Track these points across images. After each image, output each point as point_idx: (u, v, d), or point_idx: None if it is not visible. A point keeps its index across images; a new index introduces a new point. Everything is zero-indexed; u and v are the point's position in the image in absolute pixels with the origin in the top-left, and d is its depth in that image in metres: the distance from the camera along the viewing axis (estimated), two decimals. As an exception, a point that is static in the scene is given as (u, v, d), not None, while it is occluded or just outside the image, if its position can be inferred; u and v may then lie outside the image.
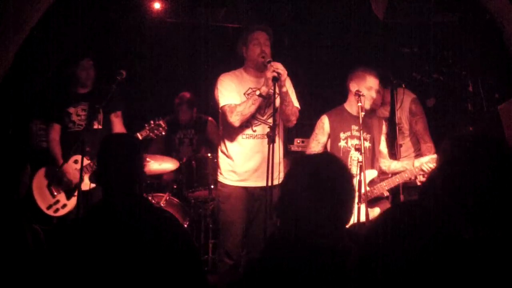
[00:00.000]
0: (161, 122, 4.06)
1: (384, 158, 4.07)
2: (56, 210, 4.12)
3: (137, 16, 5.50)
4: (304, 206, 1.69)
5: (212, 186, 4.61)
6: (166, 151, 5.26)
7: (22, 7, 3.84)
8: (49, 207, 4.10)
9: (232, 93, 3.74)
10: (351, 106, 3.96)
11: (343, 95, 4.07)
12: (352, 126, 3.94)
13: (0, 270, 2.28)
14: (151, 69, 5.74)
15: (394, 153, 4.26)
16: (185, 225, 4.64)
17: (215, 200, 4.34)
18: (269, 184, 3.23)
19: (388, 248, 1.35)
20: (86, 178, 3.91)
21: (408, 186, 4.20)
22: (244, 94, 3.78)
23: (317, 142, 4.01)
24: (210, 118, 5.49)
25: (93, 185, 3.75)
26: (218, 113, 3.90)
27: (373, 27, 5.33)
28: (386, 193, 4.12)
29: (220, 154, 3.89)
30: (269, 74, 3.48)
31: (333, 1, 5.37)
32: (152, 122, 4.05)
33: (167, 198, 4.72)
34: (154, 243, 2.14)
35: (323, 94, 5.35)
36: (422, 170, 3.80)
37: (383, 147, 4.07)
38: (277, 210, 1.80)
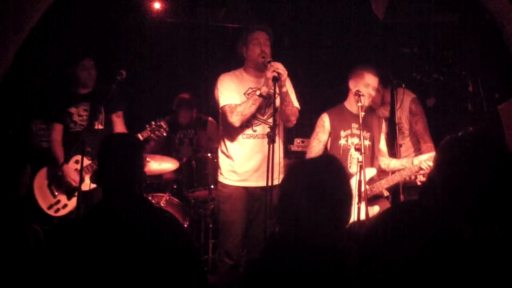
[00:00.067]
0: (162, 123, 4.06)
1: (383, 156, 4.08)
2: (57, 210, 4.12)
3: (137, 16, 5.50)
4: (304, 207, 1.69)
5: (212, 186, 4.62)
6: (166, 151, 5.26)
7: (22, 7, 3.84)
8: (50, 207, 4.10)
9: (232, 93, 3.74)
10: (351, 104, 3.96)
11: (343, 95, 4.07)
12: (353, 124, 3.95)
13: (1, 269, 2.28)
14: (151, 69, 5.74)
15: (394, 153, 4.27)
16: (185, 225, 4.64)
17: (215, 200, 4.34)
18: (269, 184, 3.24)
19: (388, 248, 1.35)
20: (87, 179, 3.91)
21: (408, 186, 4.20)
22: (244, 94, 3.78)
23: (318, 141, 4.01)
24: (210, 118, 5.50)
25: (93, 185, 3.75)
26: (218, 113, 3.90)
27: (373, 27, 5.33)
28: (386, 193, 4.12)
29: (220, 154, 3.89)
30: (269, 74, 3.48)
31: (333, 1, 5.37)
32: (153, 123, 4.04)
33: (167, 198, 4.72)
34: (154, 243, 2.14)
35: (323, 94, 5.35)
36: (421, 168, 3.81)
37: (382, 145, 4.08)
38: (276, 211, 1.81)
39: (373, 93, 3.90)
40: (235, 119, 3.65)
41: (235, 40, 4.03)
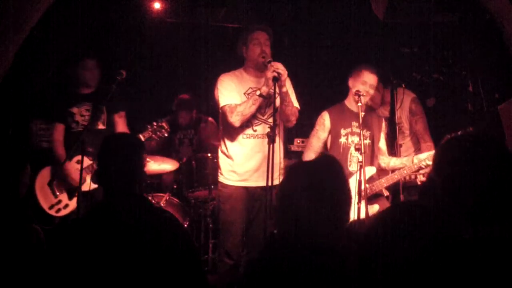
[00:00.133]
0: (163, 124, 4.04)
1: (383, 155, 4.09)
2: (58, 210, 4.11)
3: (137, 16, 5.50)
4: (304, 207, 1.69)
5: (212, 186, 4.61)
6: (166, 151, 5.26)
7: (22, 7, 3.84)
8: (51, 207, 4.10)
9: (232, 93, 3.74)
10: (351, 103, 3.97)
11: (343, 95, 4.08)
12: (353, 123, 3.95)
13: (2, 269, 2.28)
14: (151, 69, 5.74)
15: (394, 153, 4.27)
16: (185, 225, 4.64)
17: (215, 200, 4.34)
18: (269, 184, 3.24)
19: (388, 248, 1.35)
20: (88, 179, 3.90)
21: (408, 186, 4.21)
22: (244, 94, 3.78)
23: (318, 138, 4.02)
24: (210, 119, 5.50)
25: (95, 185, 3.74)
26: (218, 113, 3.90)
27: (373, 27, 5.33)
28: (386, 192, 4.13)
29: (220, 154, 3.90)
30: (269, 74, 3.48)
31: (333, 1, 5.37)
32: (154, 123, 4.03)
33: (167, 198, 4.72)
34: (155, 243, 2.14)
35: (323, 94, 5.35)
36: (421, 167, 3.81)
37: (382, 144, 4.09)
38: (276, 211, 1.81)
39: (371, 91, 3.89)
40: (235, 119, 3.65)
41: (235, 40, 4.03)
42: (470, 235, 1.55)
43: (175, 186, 5.14)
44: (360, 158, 3.55)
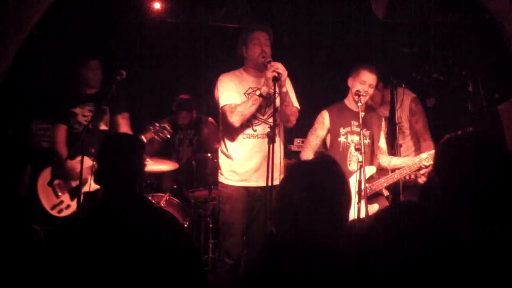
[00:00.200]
0: (166, 125, 4.01)
1: (383, 154, 4.09)
2: (60, 211, 4.10)
3: (137, 16, 5.50)
4: (304, 207, 1.69)
5: (212, 186, 4.61)
6: (166, 152, 5.26)
7: (22, 7, 3.84)
8: (53, 208, 4.08)
9: (232, 93, 3.74)
10: (351, 102, 3.98)
11: (343, 95, 4.08)
12: (352, 122, 3.96)
13: (2, 269, 2.28)
14: (151, 69, 5.74)
15: (394, 153, 4.27)
16: (185, 225, 4.64)
17: (215, 200, 4.33)
18: (269, 184, 3.23)
19: (388, 248, 1.35)
20: (90, 180, 3.88)
21: (408, 185, 4.21)
22: (244, 94, 3.78)
23: (316, 136, 4.02)
24: (210, 119, 5.50)
25: (97, 186, 3.73)
26: (218, 113, 3.90)
27: (373, 27, 5.33)
28: (386, 192, 4.12)
29: (220, 154, 3.89)
30: (269, 74, 3.48)
31: (333, 1, 5.37)
32: (157, 124, 3.99)
33: (167, 198, 4.72)
34: (155, 243, 2.14)
35: (323, 94, 5.35)
36: (421, 167, 3.81)
37: (382, 143, 4.09)
38: (275, 212, 1.80)
39: (370, 90, 3.90)
40: (235, 119, 3.65)
41: (235, 40, 4.03)
42: (470, 235, 1.55)
43: (175, 186, 5.13)
44: (360, 158, 3.55)
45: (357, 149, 3.64)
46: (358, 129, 3.85)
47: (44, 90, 4.85)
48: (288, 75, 3.59)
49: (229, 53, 4.56)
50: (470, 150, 1.66)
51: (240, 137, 3.76)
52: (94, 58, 4.32)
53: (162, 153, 5.18)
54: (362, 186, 3.54)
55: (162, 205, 4.59)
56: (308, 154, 4.02)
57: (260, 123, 3.77)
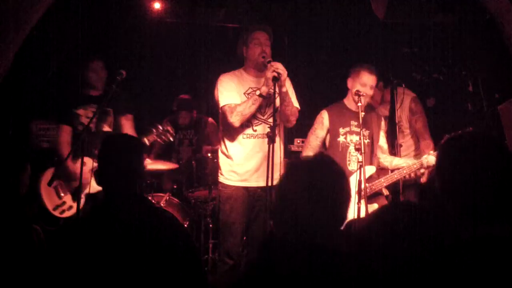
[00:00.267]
0: (169, 128, 3.97)
1: (384, 153, 4.09)
2: (62, 212, 4.08)
3: (137, 16, 5.50)
4: (304, 207, 1.69)
5: (212, 186, 4.61)
6: (166, 152, 5.26)
7: (22, 7, 3.84)
8: (55, 208, 4.07)
9: (232, 93, 3.74)
10: (350, 102, 3.98)
11: (343, 95, 4.08)
12: (351, 122, 3.96)
13: (3, 269, 2.28)
14: (151, 69, 5.74)
15: (394, 153, 4.27)
16: (185, 225, 4.64)
17: (215, 200, 4.33)
18: (269, 184, 3.23)
19: (388, 248, 1.35)
20: (93, 181, 3.87)
21: (408, 185, 4.22)
22: (244, 94, 3.78)
23: (316, 137, 4.02)
24: (210, 119, 5.50)
25: (99, 188, 3.72)
26: (218, 113, 3.90)
27: (373, 27, 5.33)
28: (386, 192, 4.12)
29: (220, 154, 3.90)
30: (269, 74, 3.48)
31: (333, 1, 5.37)
32: (160, 127, 3.95)
33: (167, 198, 4.72)
34: (155, 243, 2.15)
35: (323, 94, 5.35)
36: (421, 165, 3.82)
37: (382, 142, 4.09)
38: (275, 211, 1.80)
39: (370, 92, 3.90)
40: (235, 119, 3.65)
41: (235, 40, 4.03)
42: (470, 235, 1.55)
43: (175, 186, 5.14)
44: (360, 158, 3.55)
45: (357, 149, 3.64)
46: (357, 129, 3.85)
47: (44, 90, 4.84)
48: (288, 75, 3.59)
49: (229, 53, 4.56)
50: (470, 150, 1.66)
51: (240, 137, 3.76)
52: (97, 59, 4.28)
53: (162, 155, 5.20)
54: (362, 186, 3.54)
55: (162, 205, 4.59)
56: (308, 155, 4.02)
57: (260, 123, 3.77)
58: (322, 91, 5.51)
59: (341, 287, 1.59)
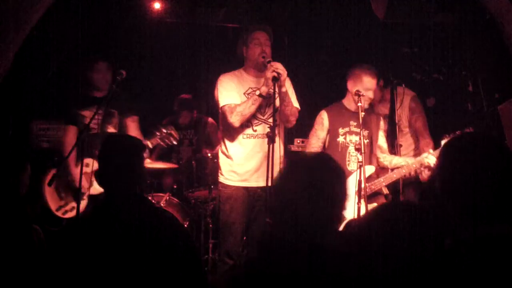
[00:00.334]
0: (172, 132, 3.93)
1: (384, 153, 4.09)
2: (65, 212, 4.07)
3: (137, 16, 5.50)
4: (303, 207, 1.69)
5: (212, 186, 4.61)
6: (166, 152, 5.26)
7: (22, 7, 3.84)
8: (58, 209, 4.05)
9: (232, 93, 3.74)
10: (349, 102, 3.98)
11: (343, 95, 4.08)
12: (351, 122, 3.96)
13: (3, 269, 2.28)
14: (151, 69, 5.74)
15: (394, 152, 4.28)
16: (185, 225, 4.64)
17: (215, 200, 4.33)
18: (269, 184, 3.24)
19: (388, 248, 1.35)
20: (95, 183, 3.86)
21: (408, 183, 4.22)
22: (244, 94, 3.78)
23: (317, 138, 4.02)
24: (210, 119, 5.50)
25: (102, 189, 3.71)
26: (218, 113, 3.90)
27: (373, 27, 5.33)
28: (386, 190, 4.13)
29: (220, 154, 3.90)
30: (269, 74, 3.48)
31: (333, 1, 5.37)
32: (163, 130, 3.93)
33: (167, 198, 4.72)
34: (155, 243, 2.15)
35: (323, 94, 5.35)
36: (421, 164, 3.81)
37: (382, 142, 4.09)
38: (274, 211, 1.80)
39: (371, 95, 3.92)
40: (235, 119, 3.65)
41: (235, 40, 4.02)
42: (470, 235, 1.55)
43: (175, 186, 5.14)
44: (360, 158, 3.55)
45: (357, 149, 3.64)
46: (356, 129, 3.85)
47: (44, 90, 4.84)
48: (288, 75, 3.59)
49: (229, 53, 4.56)
50: (470, 150, 1.67)
51: (240, 137, 3.76)
52: (102, 60, 4.23)
53: (162, 155, 5.20)
54: (362, 186, 3.54)
55: (162, 205, 4.59)
56: None
57: (260, 123, 3.77)
58: (322, 91, 5.50)
59: (340, 287, 1.59)
